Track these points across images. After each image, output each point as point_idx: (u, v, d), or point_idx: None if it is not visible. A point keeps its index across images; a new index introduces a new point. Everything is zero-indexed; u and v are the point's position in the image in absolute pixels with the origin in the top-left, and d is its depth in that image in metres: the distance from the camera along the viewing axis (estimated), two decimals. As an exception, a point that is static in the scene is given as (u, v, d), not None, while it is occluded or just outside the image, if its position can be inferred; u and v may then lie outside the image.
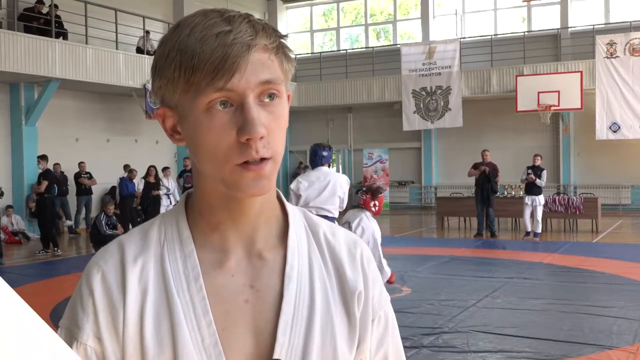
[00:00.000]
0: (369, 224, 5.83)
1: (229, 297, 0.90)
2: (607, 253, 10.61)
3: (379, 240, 5.91)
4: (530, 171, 12.49)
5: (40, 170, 12.69)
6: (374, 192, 5.98)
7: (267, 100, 0.86)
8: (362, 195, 5.99)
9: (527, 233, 12.76)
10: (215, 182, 0.89)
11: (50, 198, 12.13)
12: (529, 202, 12.58)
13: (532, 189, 12.54)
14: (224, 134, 0.84)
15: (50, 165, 14.61)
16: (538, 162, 12.53)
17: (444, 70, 18.83)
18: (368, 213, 5.90)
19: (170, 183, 15.13)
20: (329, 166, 6.56)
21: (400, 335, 1.02)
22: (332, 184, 6.29)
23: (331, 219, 6.18)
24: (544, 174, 12.54)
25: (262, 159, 0.85)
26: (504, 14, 20.53)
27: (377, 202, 5.93)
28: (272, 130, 0.86)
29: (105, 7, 15.21)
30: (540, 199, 12.56)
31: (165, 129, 0.92)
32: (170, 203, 14.36)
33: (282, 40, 0.89)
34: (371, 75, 20.30)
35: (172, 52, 0.86)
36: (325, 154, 6.44)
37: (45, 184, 11.97)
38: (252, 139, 0.83)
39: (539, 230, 12.75)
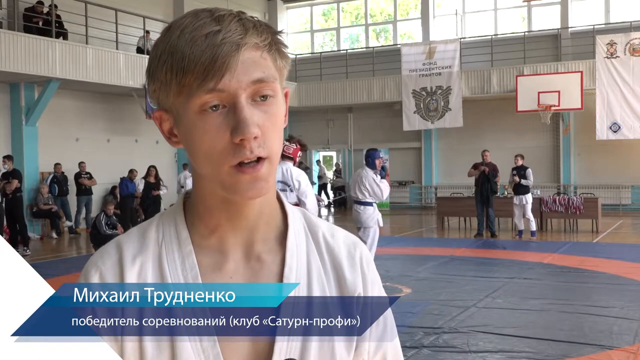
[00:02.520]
0: (295, 170, 6.25)
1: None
2: (607, 253, 10.60)
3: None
4: (515, 172, 12.63)
5: (6, 170, 12.12)
6: (303, 145, 6.50)
7: (260, 99, 0.85)
8: (290, 144, 6.29)
9: (520, 232, 12.88)
10: (214, 185, 0.88)
11: (21, 197, 11.84)
12: (517, 202, 12.79)
13: (519, 188, 12.76)
14: (217, 136, 0.84)
15: (50, 166, 14.64)
16: (520, 163, 12.73)
17: (444, 70, 18.82)
18: (290, 163, 6.22)
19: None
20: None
21: (400, 335, 1.02)
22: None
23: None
24: (529, 172, 12.68)
25: (259, 159, 0.84)
26: (504, 14, 20.51)
27: (302, 154, 6.53)
28: (267, 129, 0.85)
29: (105, 7, 15.20)
30: (528, 198, 12.73)
31: (162, 132, 0.92)
32: None
33: (276, 37, 0.88)
34: (371, 75, 20.28)
35: (164, 55, 0.85)
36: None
37: (15, 182, 11.61)
38: (245, 139, 0.83)
39: (534, 228, 12.83)
